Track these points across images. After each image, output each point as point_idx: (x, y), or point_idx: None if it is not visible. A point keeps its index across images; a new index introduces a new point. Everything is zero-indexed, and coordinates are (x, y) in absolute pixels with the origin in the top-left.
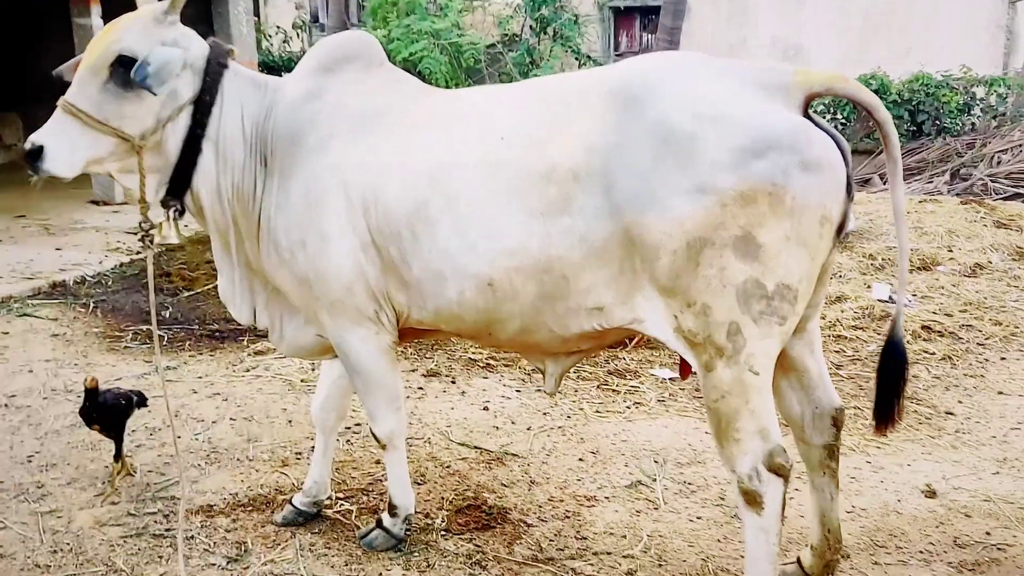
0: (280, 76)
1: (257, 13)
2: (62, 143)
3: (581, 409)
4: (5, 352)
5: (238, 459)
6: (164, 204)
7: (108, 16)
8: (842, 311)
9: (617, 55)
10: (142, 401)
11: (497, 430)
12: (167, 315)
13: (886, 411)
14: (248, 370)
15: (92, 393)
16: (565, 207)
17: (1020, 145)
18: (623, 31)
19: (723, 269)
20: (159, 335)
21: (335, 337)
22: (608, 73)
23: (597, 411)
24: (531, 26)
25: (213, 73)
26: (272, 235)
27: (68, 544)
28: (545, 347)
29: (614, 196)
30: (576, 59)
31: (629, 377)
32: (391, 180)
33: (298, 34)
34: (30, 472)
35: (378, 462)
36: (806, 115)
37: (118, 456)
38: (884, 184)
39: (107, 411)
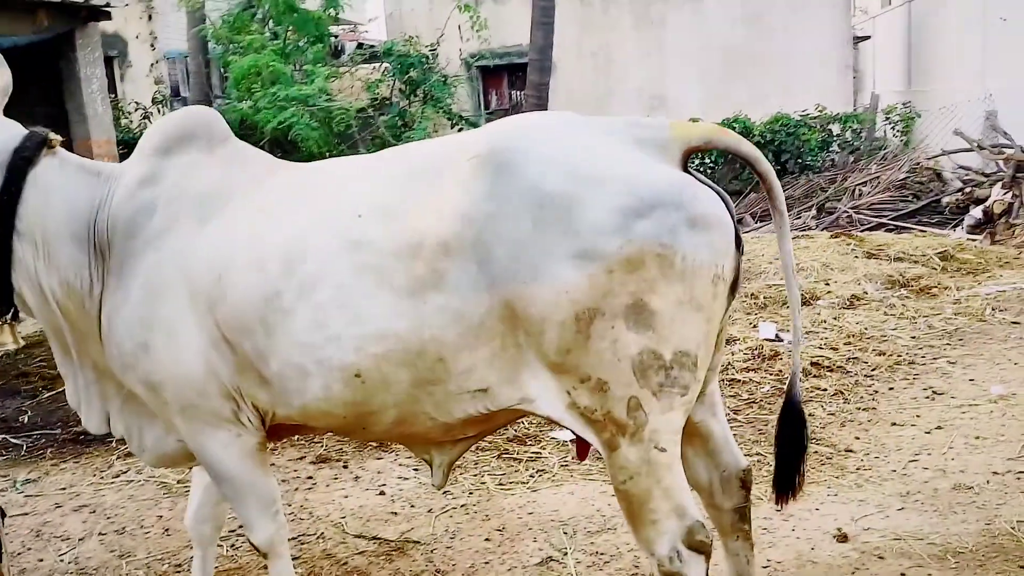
0: None
1: (114, 90)
2: None
3: (483, 483)
4: None
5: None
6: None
7: None
8: (732, 353)
9: (488, 113)
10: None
11: (396, 516)
12: (25, 420)
13: (787, 481)
14: (118, 475)
15: None
16: (436, 284)
17: (877, 177)
18: (492, 89)
19: (615, 341)
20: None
21: (193, 443)
22: (476, 137)
23: (500, 484)
24: (400, 89)
25: (16, 167)
26: (114, 336)
27: None
28: (428, 436)
29: (491, 268)
30: (448, 119)
31: (530, 443)
32: (238, 270)
33: (159, 109)
34: None
35: (266, 567)
36: (685, 170)
37: None
38: (756, 223)
39: None
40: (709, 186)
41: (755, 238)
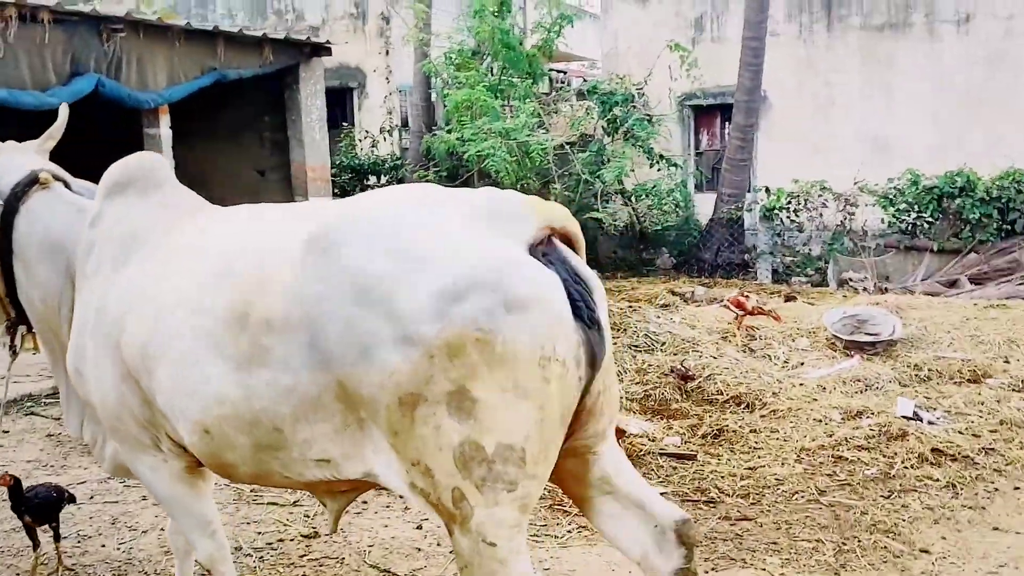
0: (366, 178)
1: (352, 119)
2: None
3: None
4: None
5: (145, 571)
6: (13, 321)
7: (175, 127)
8: (856, 428)
9: (697, 154)
10: (70, 498)
11: (418, 552)
12: None
13: None
14: None
15: (14, 490)
16: (262, 359)
17: None
18: (704, 129)
19: (438, 428)
20: None
21: (128, 464)
22: (317, 213)
23: (534, 534)
24: (603, 126)
25: (10, 201)
26: (67, 356)
27: None
28: (307, 488)
29: (321, 348)
30: (648, 159)
31: None
32: (131, 315)
33: (384, 138)
34: None
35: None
36: (543, 247)
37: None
38: (972, 286)
39: (38, 504)
40: (566, 264)
41: (945, 303)
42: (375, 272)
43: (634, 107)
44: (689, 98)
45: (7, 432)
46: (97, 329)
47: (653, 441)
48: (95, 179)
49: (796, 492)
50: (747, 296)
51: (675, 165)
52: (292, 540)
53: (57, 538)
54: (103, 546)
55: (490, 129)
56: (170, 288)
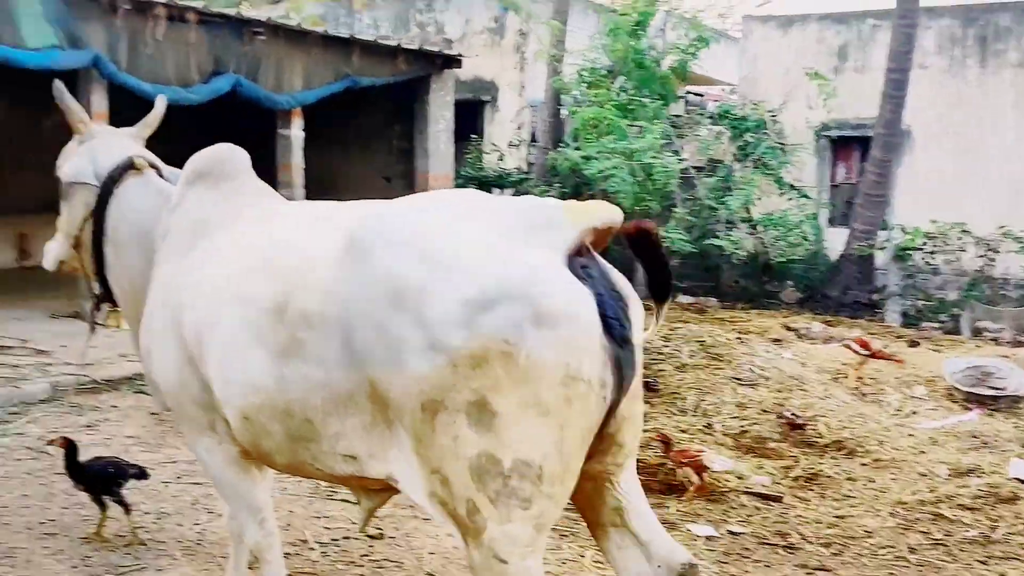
0: (490, 190)
1: (481, 132)
2: (50, 246)
3: (582, 556)
4: (100, 425)
5: (213, 554)
6: (100, 298)
7: (310, 130)
8: (962, 486)
9: (833, 186)
10: (142, 475)
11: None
12: None
13: None
14: None
15: (69, 455)
16: (297, 351)
17: None
18: (841, 161)
19: (456, 438)
20: None
21: (188, 444)
22: (356, 214)
23: (598, 562)
24: (733, 153)
25: (106, 185)
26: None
27: None
28: (343, 481)
29: (354, 347)
30: (778, 188)
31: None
32: (191, 300)
33: (512, 152)
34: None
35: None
36: (582, 258)
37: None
38: None
39: (92, 475)
40: (604, 277)
41: None
42: (406, 278)
43: (766, 134)
44: (827, 128)
45: (116, 407)
46: (163, 312)
47: (740, 479)
48: None
49: (884, 547)
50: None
51: (806, 196)
52: (357, 539)
53: (126, 511)
54: (179, 525)
55: (615, 148)
56: (224, 276)
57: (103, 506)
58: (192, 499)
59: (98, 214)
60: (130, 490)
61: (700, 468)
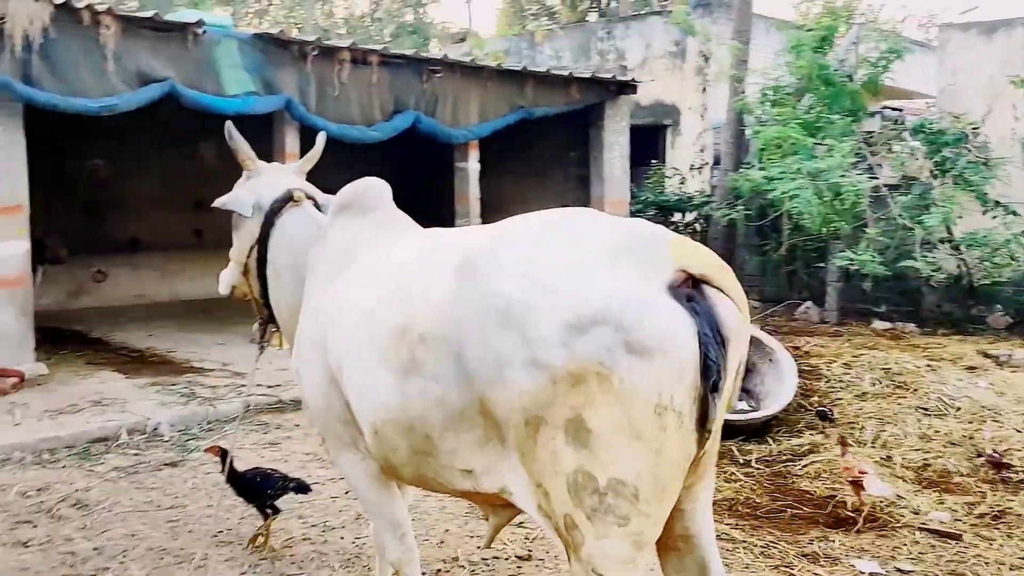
0: (671, 214)
1: (663, 156)
2: (223, 273)
3: None
4: (283, 443)
5: (369, 567)
6: (266, 320)
7: (489, 161)
8: None
9: None
10: (301, 488)
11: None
12: None
13: None
14: None
15: (224, 462)
16: (417, 369)
17: None
18: None
19: (555, 453)
20: None
21: (333, 460)
22: (468, 237)
23: None
24: (931, 169)
25: (269, 214)
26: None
27: None
28: (459, 495)
29: (465, 365)
30: (982, 205)
31: (824, 564)
32: (334, 323)
33: (693, 175)
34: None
35: None
36: (690, 291)
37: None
38: None
39: (244, 485)
40: (708, 315)
41: None
42: (511, 297)
43: (967, 148)
44: None
45: (298, 426)
46: (311, 334)
47: (916, 514)
48: (410, 205)
49: None
50: None
51: (1014, 213)
52: (507, 559)
53: (265, 517)
54: (342, 538)
55: (800, 169)
56: (360, 301)
57: (263, 512)
58: (356, 514)
59: (261, 243)
60: (300, 503)
61: (857, 488)
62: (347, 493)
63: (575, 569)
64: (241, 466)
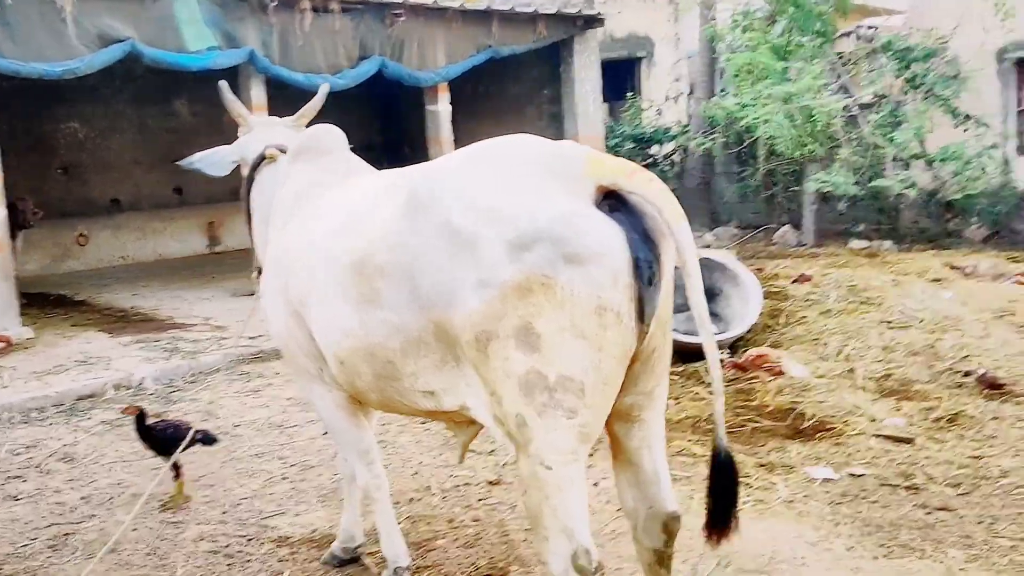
0: (648, 147)
1: (639, 89)
2: None
3: (690, 498)
4: (264, 390)
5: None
6: (259, 270)
7: (454, 104)
8: None
9: (1020, 111)
10: (207, 440)
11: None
12: None
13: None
14: (423, 423)
15: (138, 419)
16: (375, 300)
17: None
18: None
19: (507, 359)
20: None
21: (302, 393)
22: (413, 173)
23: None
24: (902, 87)
25: (250, 172)
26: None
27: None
28: (424, 415)
29: (420, 293)
30: (953, 118)
31: (779, 472)
32: (293, 263)
33: (670, 106)
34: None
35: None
36: (612, 202)
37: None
38: None
39: (156, 439)
40: (634, 216)
41: None
42: (458, 225)
43: (938, 63)
44: (1009, 51)
45: (278, 374)
46: (274, 275)
47: (872, 422)
48: (387, 150)
49: (1019, 487)
50: None
51: (984, 125)
52: (478, 484)
53: (176, 475)
54: (319, 475)
55: (771, 93)
56: (317, 240)
57: (175, 470)
58: (333, 453)
59: (245, 199)
60: (281, 446)
61: (776, 373)
62: (324, 434)
63: (523, 466)
64: (153, 420)
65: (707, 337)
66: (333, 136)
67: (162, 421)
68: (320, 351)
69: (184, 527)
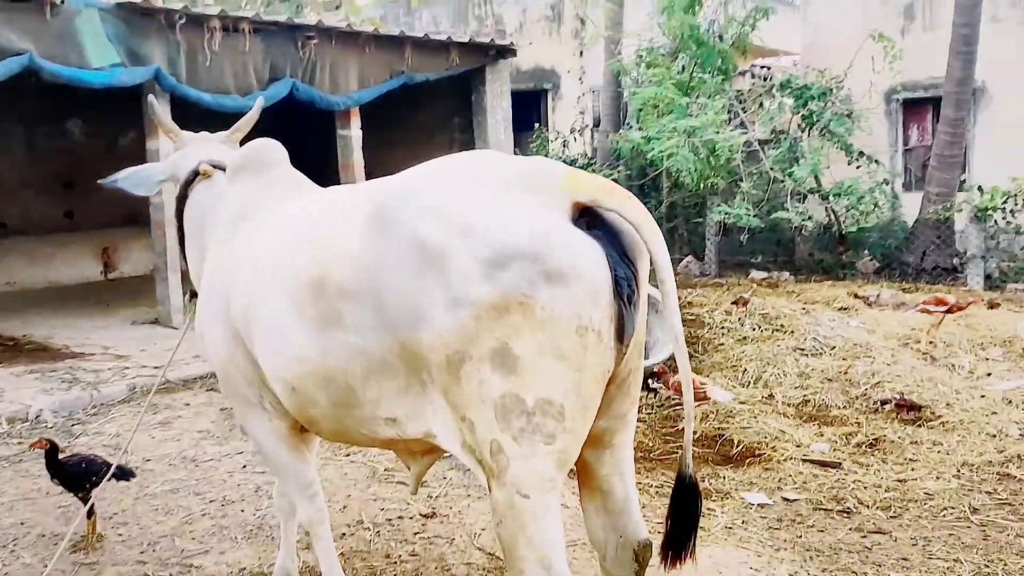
0: None
1: (545, 121)
2: None
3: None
4: (174, 422)
5: (272, 536)
6: (192, 293)
7: (365, 128)
8: None
9: (906, 149)
10: (123, 475)
11: None
12: None
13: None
14: (347, 455)
15: (49, 453)
16: (337, 322)
17: None
18: (914, 124)
19: (481, 383)
20: None
21: (239, 420)
22: (376, 187)
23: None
24: (798, 124)
25: (182, 189)
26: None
27: None
28: (381, 446)
29: (385, 312)
30: (847, 155)
31: (716, 499)
32: (235, 282)
33: (575, 138)
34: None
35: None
36: (589, 219)
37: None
38: None
39: (67, 474)
40: (613, 239)
41: None
42: (428, 242)
43: (832, 102)
44: (898, 91)
45: (188, 404)
46: (211, 296)
47: (798, 447)
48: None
49: (945, 508)
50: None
51: (876, 162)
52: (411, 518)
53: (89, 512)
54: (242, 511)
55: (676, 128)
56: (264, 257)
57: (88, 508)
58: (255, 487)
59: (178, 218)
60: (197, 481)
61: (702, 397)
62: (244, 468)
63: (497, 496)
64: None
65: (682, 358)
66: (276, 151)
67: (75, 455)
68: (262, 377)
69: (100, 569)
